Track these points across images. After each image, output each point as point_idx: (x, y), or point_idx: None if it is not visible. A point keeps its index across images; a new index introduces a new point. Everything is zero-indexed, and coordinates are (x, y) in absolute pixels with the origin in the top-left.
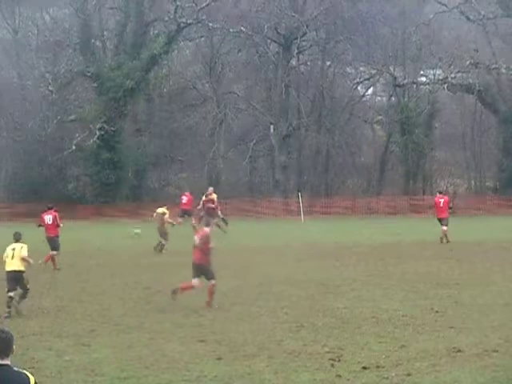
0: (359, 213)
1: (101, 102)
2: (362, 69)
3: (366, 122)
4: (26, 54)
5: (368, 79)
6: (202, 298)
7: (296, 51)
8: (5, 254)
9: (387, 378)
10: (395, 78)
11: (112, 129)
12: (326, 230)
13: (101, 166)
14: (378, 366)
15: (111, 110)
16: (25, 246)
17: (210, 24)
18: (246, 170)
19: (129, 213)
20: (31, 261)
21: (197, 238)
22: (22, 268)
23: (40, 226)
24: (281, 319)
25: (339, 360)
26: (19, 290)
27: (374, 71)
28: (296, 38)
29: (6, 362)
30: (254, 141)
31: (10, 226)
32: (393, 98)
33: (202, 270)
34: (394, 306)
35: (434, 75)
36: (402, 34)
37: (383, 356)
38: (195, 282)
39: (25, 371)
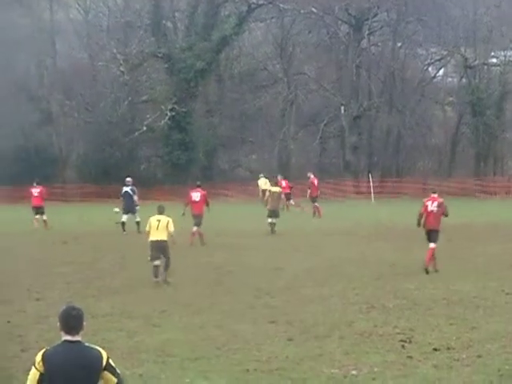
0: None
1: (172, 82)
2: (432, 50)
3: (436, 103)
4: (97, 35)
5: (439, 60)
6: (273, 279)
7: (367, 32)
8: (148, 225)
9: (458, 359)
10: (466, 59)
11: (183, 110)
12: (396, 211)
13: (172, 147)
14: (448, 348)
15: (182, 91)
16: (171, 220)
17: (281, 5)
18: (316, 151)
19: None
20: (171, 228)
21: (433, 205)
22: (165, 238)
23: (187, 204)
24: (351, 300)
25: (410, 341)
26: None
27: (444, 52)
28: (367, 19)
29: (77, 338)
30: (325, 122)
31: (80, 207)
32: (464, 80)
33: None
34: (465, 288)
35: (505, 56)
36: (473, 15)
37: (454, 337)
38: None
39: (97, 347)
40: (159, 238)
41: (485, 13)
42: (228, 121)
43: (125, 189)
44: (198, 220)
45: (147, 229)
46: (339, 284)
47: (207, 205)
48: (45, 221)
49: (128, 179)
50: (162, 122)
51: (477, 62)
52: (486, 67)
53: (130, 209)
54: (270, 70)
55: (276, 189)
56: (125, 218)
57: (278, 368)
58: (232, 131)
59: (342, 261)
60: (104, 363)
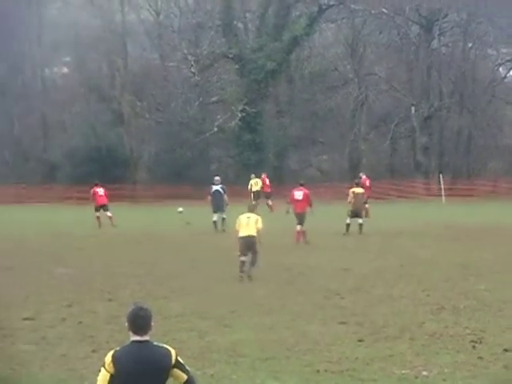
0: (502, 195)
1: (242, 83)
2: (503, 50)
3: (507, 103)
4: (168, 36)
5: (510, 61)
6: (343, 280)
7: (437, 33)
8: (238, 223)
9: None
10: None
11: (253, 110)
12: (468, 212)
13: (242, 148)
14: None
15: (253, 92)
16: (260, 218)
17: (352, 5)
18: (386, 152)
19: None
20: (260, 225)
21: None
22: (254, 234)
23: (289, 203)
24: (422, 301)
25: (480, 342)
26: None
27: None
28: (437, 20)
29: (146, 338)
30: (395, 122)
31: (151, 208)
32: None
33: None
34: None
35: None
36: None
37: None
38: None
39: (165, 345)
40: (249, 234)
41: None
42: (298, 121)
43: (214, 187)
44: (300, 219)
45: (236, 226)
46: (409, 285)
47: (310, 204)
48: (110, 217)
49: (217, 178)
50: (233, 122)
51: None
52: None
53: (219, 208)
54: (340, 71)
55: (359, 189)
56: (215, 217)
57: (348, 369)
58: (302, 132)
59: (412, 261)
60: (173, 361)
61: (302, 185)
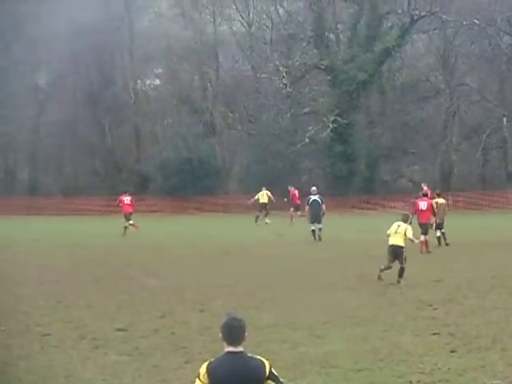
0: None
1: (334, 94)
2: None
3: None
4: (259, 48)
5: None
6: (435, 291)
7: None
8: (389, 230)
9: None
10: None
11: (345, 121)
12: None
13: (334, 159)
14: None
15: (344, 103)
16: (409, 227)
17: (444, 16)
18: (478, 162)
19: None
20: (415, 240)
21: None
22: (402, 244)
23: (414, 213)
24: None
25: None
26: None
27: None
28: None
29: (240, 349)
30: (487, 133)
31: (243, 218)
32: None
33: None
34: None
35: None
36: None
37: None
38: None
39: (259, 357)
40: (395, 243)
41: None
42: (390, 132)
43: (312, 197)
44: (424, 228)
45: (388, 232)
46: (501, 296)
47: (434, 214)
48: (132, 224)
49: (313, 188)
50: (324, 133)
51: None
52: None
53: (317, 218)
54: (432, 82)
55: (441, 200)
56: (313, 226)
57: (440, 380)
58: (394, 142)
59: (504, 272)
60: (267, 372)
61: (424, 195)
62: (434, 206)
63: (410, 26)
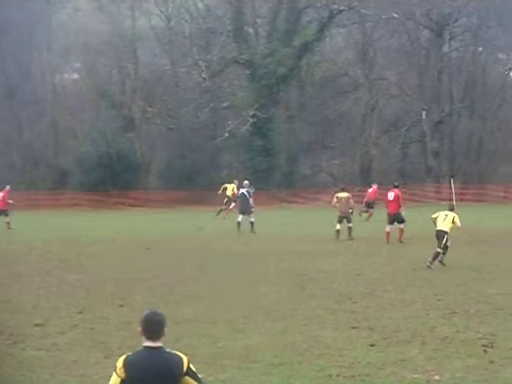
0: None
1: (253, 89)
2: None
3: None
4: (178, 42)
5: None
6: (354, 285)
7: (448, 37)
8: (436, 215)
9: None
10: None
11: (264, 116)
12: (479, 217)
13: (253, 153)
14: None
15: (264, 97)
16: (457, 216)
17: (363, 10)
18: (397, 157)
19: (280, 200)
20: (458, 223)
21: None
22: (447, 230)
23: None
24: (434, 306)
25: (492, 346)
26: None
27: None
28: (448, 24)
29: (159, 344)
30: (406, 127)
31: (162, 213)
32: None
33: None
34: None
35: None
36: None
37: None
38: None
39: (178, 352)
40: (442, 228)
41: None
42: (309, 126)
43: (242, 190)
44: (392, 219)
45: (434, 216)
46: (421, 289)
47: (399, 206)
48: (8, 222)
49: (246, 182)
50: (244, 128)
51: None
52: None
53: (245, 210)
54: (351, 76)
55: (344, 194)
56: (240, 218)
57: (360, 374)
58: (313, 137)
59: (424, 266)
60: (185, 368)
61: (396, 186)
62: (335, 200)
63: (329, 21)
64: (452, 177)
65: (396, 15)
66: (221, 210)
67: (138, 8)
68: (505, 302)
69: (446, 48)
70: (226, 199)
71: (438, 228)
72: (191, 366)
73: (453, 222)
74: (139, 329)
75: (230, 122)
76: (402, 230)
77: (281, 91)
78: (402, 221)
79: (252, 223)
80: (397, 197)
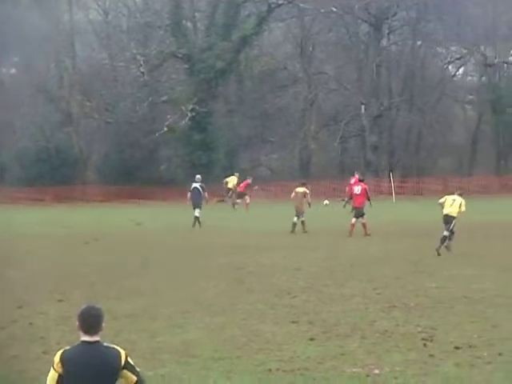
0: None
1: (192, 83)
2: (452, 48)
3: (456, 101)
4: (116, 36)
5: (459, 59)
6: (294, 279)
7: (387, 31)
8: (443, 199)
9: (479, 357)
10: (486, 57)
11: (203, 110)
12: (418, 210)
13: (192, 148)
14: (470, 346)
15: (202, 92)
16: (464, 201)
17: (301, 4)
18: (337, 151)
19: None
20: (463, 208)
21: None
22: (455, 214)
23: (350, 198)
24: (373, 299)
25: (432, 340)
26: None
27: (464, 51)
28: (387, 18)
29: (96, 338)
30: (345, 121)
31: (101, 208)
32: (483, 78)
33: None
34: (486, 286)
35: None
36: (493, 14)
37: (475, 336)
38: None
39: (115, 346)
40: (448, 213)
41: (504, 11)
42: (248, 121)
43: (194, 185)
44: (357, 212)
45: (441, 200)
46: (360, 283)
47: (368, 199)
48: None
49: (198, 176)
50: (183, 122)
51: (497, 60)
52: (505, 65)
53: (197, 204)
54: (290, 70)
55: (300, 189)
56: (197, 212)
57: (300, 368)
58: (252, 131)
59: (363, 260)
60: (123, 362)
61: (361, 180)
62: (293, 194)
63: (268, 15)
64: (391, 171)
65: (334, 9)
66: (234, 204)
67: (76, 2)
68: (444, 296)
69: (384, 42)
70: (230, 192)
71: (446, 212)
72: (129, 359)
73: (459, 206)
74: (77, 323)
75: (168, 117)
76: (364, 224)
77: (219, 85)
78: (362, 214)
79: (197, 218)
80: (364, 190)
